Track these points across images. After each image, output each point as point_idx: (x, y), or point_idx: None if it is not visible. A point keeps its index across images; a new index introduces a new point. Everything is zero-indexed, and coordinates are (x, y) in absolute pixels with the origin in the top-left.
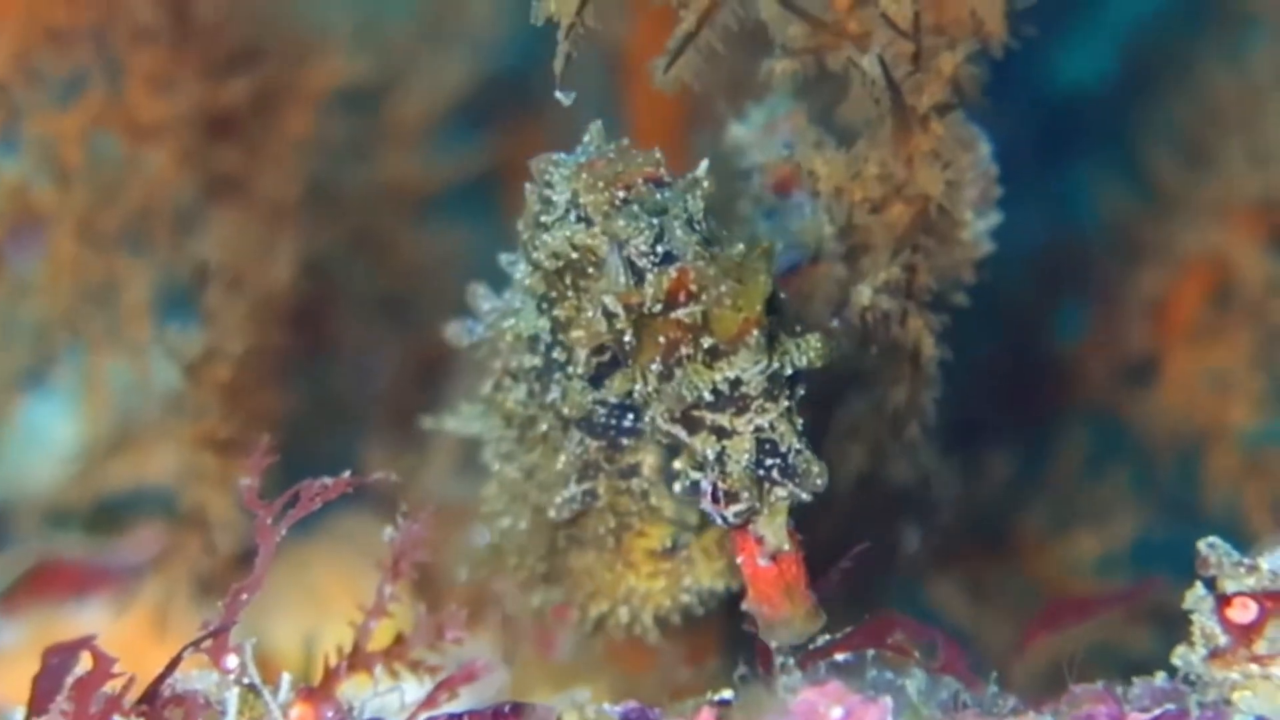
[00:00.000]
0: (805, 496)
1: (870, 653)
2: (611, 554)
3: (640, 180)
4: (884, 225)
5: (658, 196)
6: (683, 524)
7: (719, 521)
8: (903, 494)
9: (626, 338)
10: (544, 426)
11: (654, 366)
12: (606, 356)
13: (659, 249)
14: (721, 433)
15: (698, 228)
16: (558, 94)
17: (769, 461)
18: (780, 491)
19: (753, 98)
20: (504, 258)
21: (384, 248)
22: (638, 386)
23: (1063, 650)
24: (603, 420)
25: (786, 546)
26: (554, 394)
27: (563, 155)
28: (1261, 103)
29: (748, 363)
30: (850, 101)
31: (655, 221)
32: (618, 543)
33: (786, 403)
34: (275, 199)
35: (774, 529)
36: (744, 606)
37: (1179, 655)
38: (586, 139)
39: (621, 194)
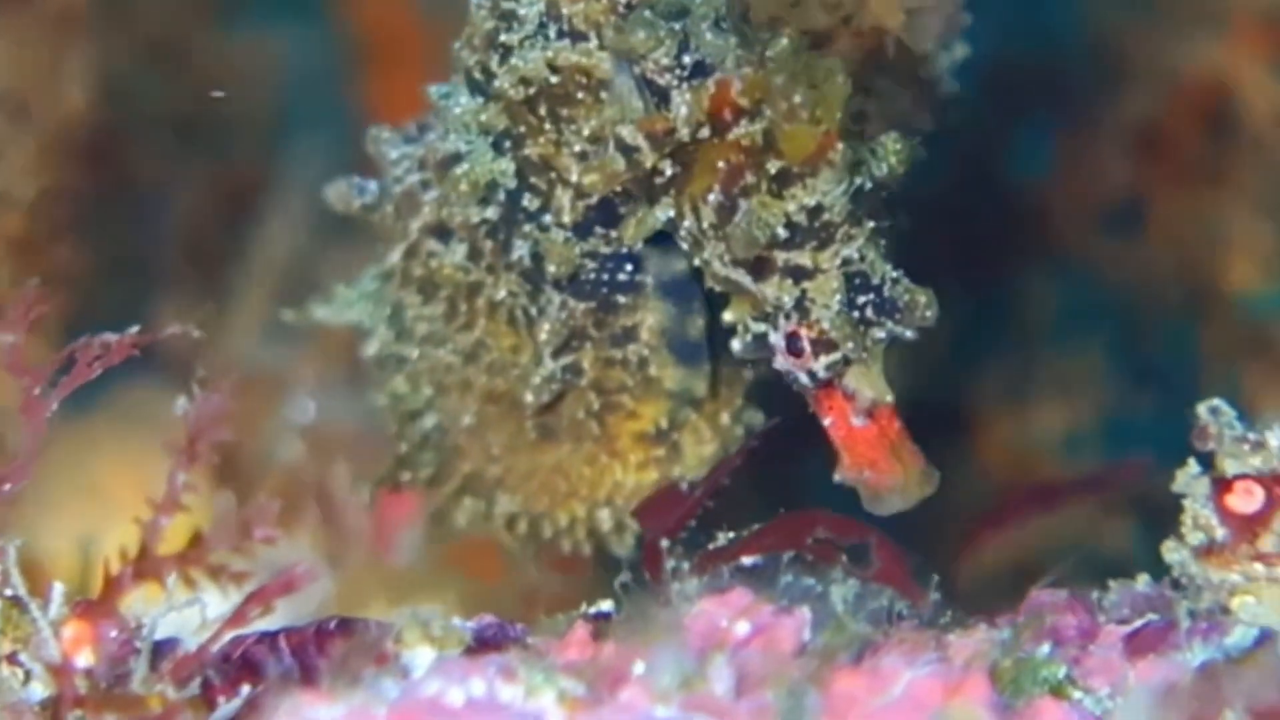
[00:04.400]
0: (909, 334)
1: (786, 556)
2: (594, 443)
3: None
4: None
5: (673, 1)
6: (685, 397)
7: (802, 380)
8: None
9: (666, 170)
10: (499, 293)
11: (711, 197)
12: (595, 200)
13: (686, 59)
14: (800, 273)
15: (725, 27)
16: None
17: (861, 299)
18: (878, 333)
19: None
20: (433, 90)
21: (181, 59)
22: (686, 224)
23: (1023, 548)
24: (593, 276)
25: (889, 397)
26: (520, 250)
27: None
28: None
29: (831, 184)
30: None
31: (677, 26)
32: (602, 428)
33: (872, 224)
34: (61, 4)
35: (871, 379)
36: (838, 477)
37: (1167, 551)
38: None
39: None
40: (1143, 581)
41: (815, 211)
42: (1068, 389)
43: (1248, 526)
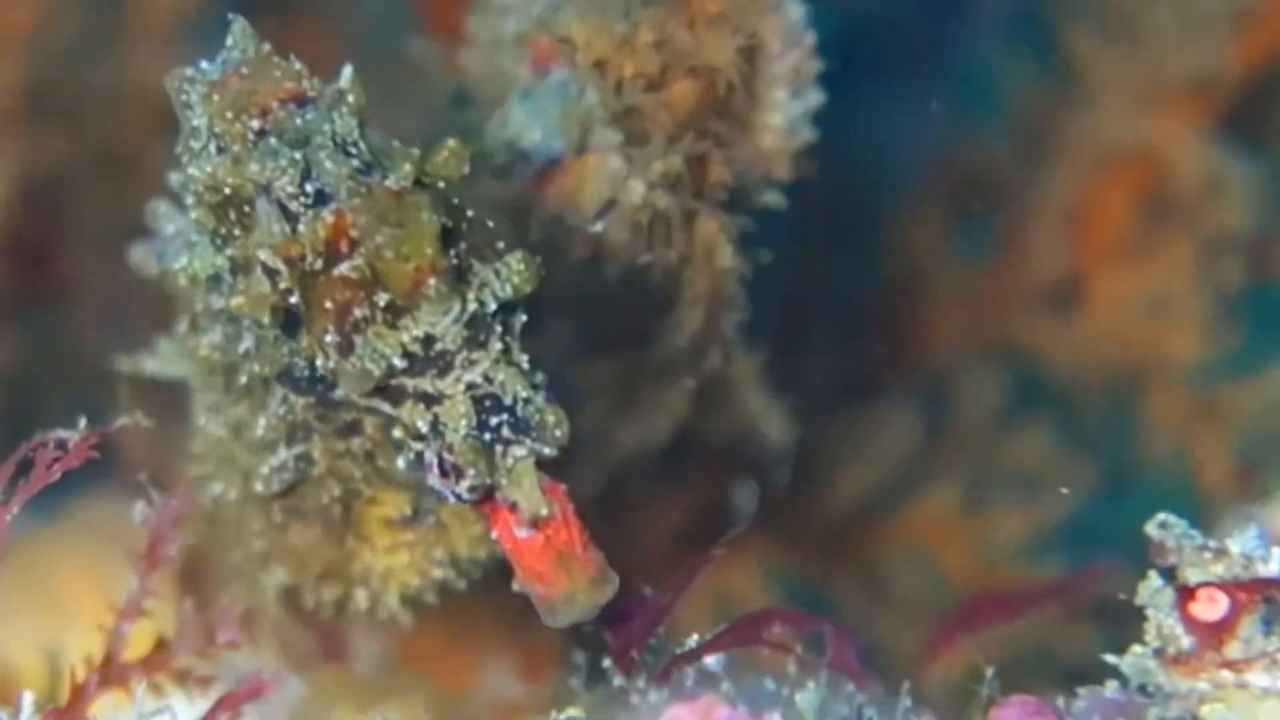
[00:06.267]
0: (548, 451)
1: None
2: (340, 528)
3: (276, 102)
4: (663, 106)
5: (299, 121)
6: (423, 487)
7: (453, 500)
8: (729, 448)
9: (293, 299)
10: (244, 378)
11: (329, 337)
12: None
13: (308, 188)
14: (430, 399)
15: (354, 152)
16: None
17: (494, 420)
18: (519, 450)
19: None
20: (174, 178)
21: (131, 167)
22: (319, 361)
23: (986, 655)
24: (306, 374)
25: (544, 511)
26: (246, 343)
27: (204, 65)
28: None
29: (435, 315)
30: None
31: (298, 155)
32: (346, 513)
33: (500, 344)
34: None
35: (525, 493)
36: (515, 587)
37: (1132, 660)
38: (229, 42)
39: (256, 123)
40: (1111, 688)
41: (428, 341)
42: (1023, 486)
43: (1213, 634)
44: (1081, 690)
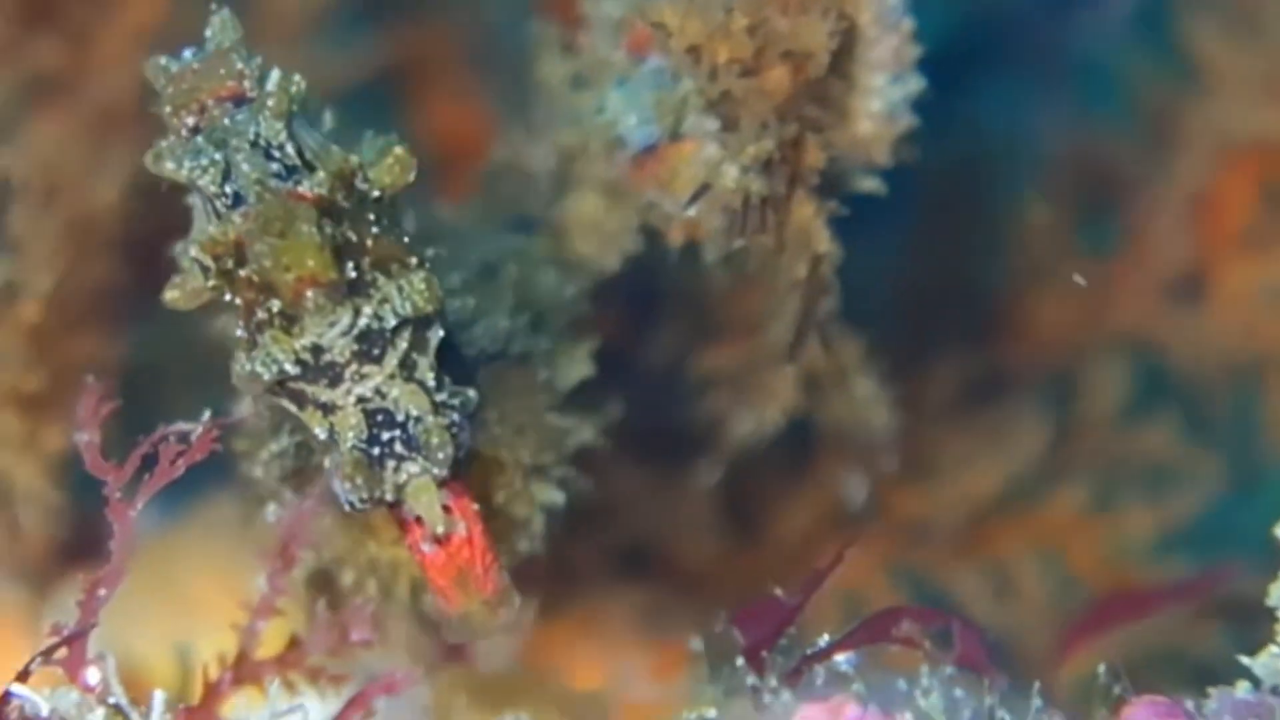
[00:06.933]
0: (436, 471)
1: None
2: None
3: (213, 100)
4: (759, 92)
5: (226, 121)
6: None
7: (348, 508)
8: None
9: (226, 296)
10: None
11: (238, 333)
12: None
13: (228, 188)
14: (327, 408)
15: (277, 155)
16: None
17: (386, 435)
18: (412, 467)
19: None
20: None
21: None
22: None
23: (1116, 655)
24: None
25: (441, 528)
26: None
27: (186, 53)
28: None
29: (320, 326)
30: None
31: (218, 156)
32: None
33: (396, 360)
34: (106, 103)
35: (424, 509)
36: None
37: (1265, 661)
38: (208, 32)
39: (191, 120)
40: (1243, 688)
41: (316, 350)
42: (1153, 482)
43: None
44: (1212, 691)
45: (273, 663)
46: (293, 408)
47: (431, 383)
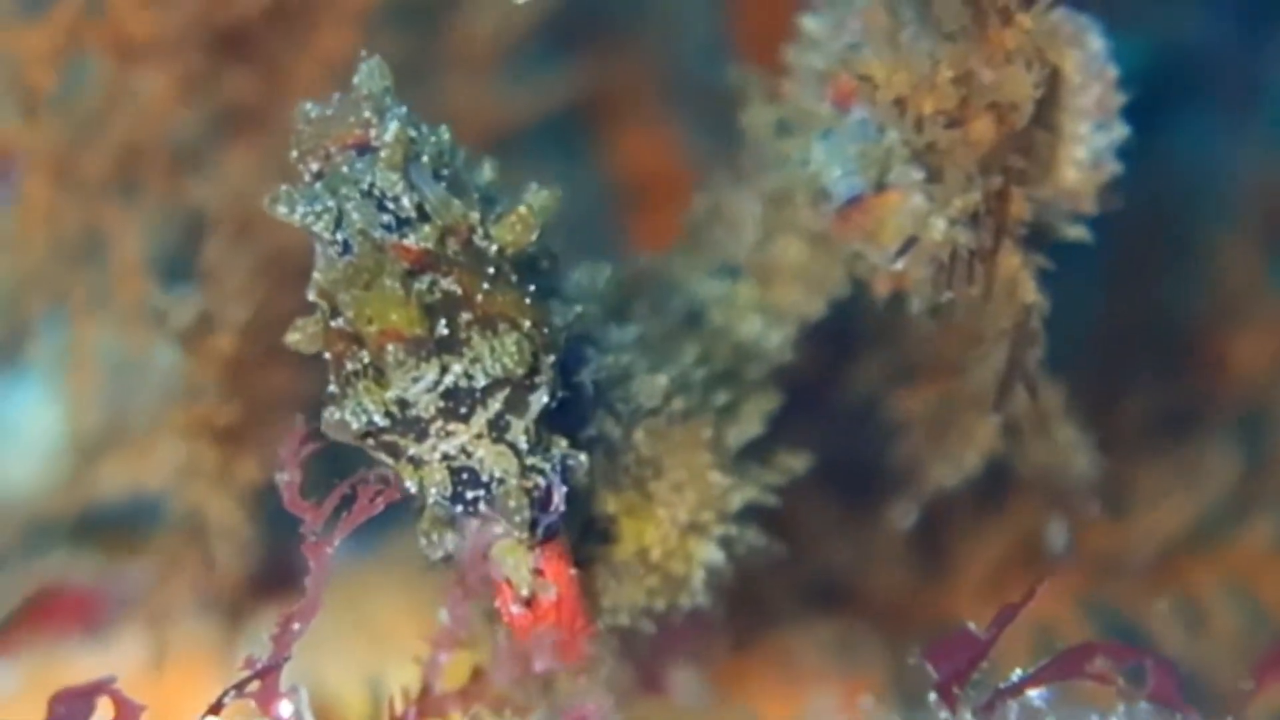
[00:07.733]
0: (517, 534)
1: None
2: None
3: (336, 147)
4: (964, 143)
5: (345, 169)
6: None
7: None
8: (1039, 481)
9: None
10: None
11: (331, 387)
12: None
13: (340, 236)
14: (415, 462)
15: (390, 206)
16: None
17: (470, 494)
18: (495, 529)
19: None
20: None
21: None
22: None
23: None
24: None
25: (526, 591)
26: None
27: (335, 99)
28: None
29: (406, 382)
30: None
31: (331, 203)
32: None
33: (485, 420)
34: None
35: (511, 570)
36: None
37: None
38: (356, 79)
39: (315, 165)
40: None
41: (403, 404)
42: None
43: None
44: None
45: (457, 695)
46: (388, 460)
47: (524, 445)
